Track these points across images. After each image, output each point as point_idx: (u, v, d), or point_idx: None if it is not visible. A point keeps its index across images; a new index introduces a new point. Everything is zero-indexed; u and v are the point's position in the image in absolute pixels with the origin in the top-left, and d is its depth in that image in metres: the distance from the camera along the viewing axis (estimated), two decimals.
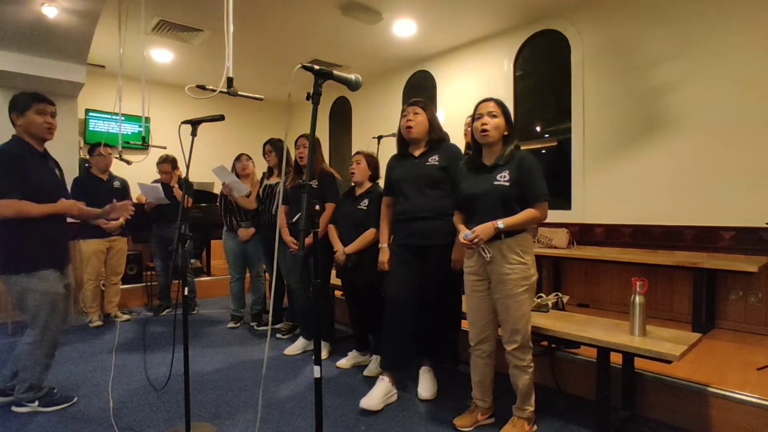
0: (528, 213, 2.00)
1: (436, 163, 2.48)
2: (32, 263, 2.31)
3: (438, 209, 2.45)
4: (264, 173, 3.95)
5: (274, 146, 3.77)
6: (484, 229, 2.00)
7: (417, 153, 2.57)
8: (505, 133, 2.10)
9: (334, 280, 3.35)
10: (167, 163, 4.39)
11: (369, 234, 2.86)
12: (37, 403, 2.39)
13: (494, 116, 2.07)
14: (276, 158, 3.75)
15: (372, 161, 3.03)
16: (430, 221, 2.46)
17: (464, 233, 2.04)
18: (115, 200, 2.59)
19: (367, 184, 3.00)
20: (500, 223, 1.98)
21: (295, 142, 3.33)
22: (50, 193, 2.39)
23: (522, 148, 2.16)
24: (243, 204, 3.88)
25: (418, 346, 2.69)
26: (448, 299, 2.55)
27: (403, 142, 2.63)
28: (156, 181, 4.43)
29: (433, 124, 2.57)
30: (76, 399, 2.52)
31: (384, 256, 2.66)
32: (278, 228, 1.86)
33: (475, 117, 2.12)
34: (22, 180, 2.27)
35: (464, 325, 2.79)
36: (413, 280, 2.52)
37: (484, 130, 2.07)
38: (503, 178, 2.03)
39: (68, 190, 2.68)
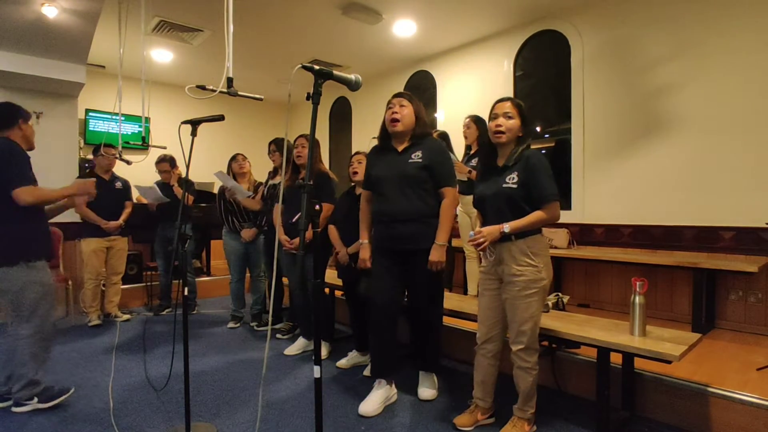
0: (535, 215, 1.98)
1: (420, 160, 2.37)
2: (31, 253, 2.36)
3: (419, 212, 2.36)
4: (269, 173, 3.95)
5: (279, 146, 3.76)
6: (490, 231, 1.99)
7: (400, 148, 2.45)
8: (519, 134, 2.08)
9: (333, 279, 3.35)
10: (165, 162, 4.40)
11: None
12: (36, 399, 2.39)
13: (510, 117, 2.04)
14: (281, 157, 3.74)
15: None
16: (413, 224, 2.36)
17: (471, 233, 2.04)
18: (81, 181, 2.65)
19: None
20: (506, 227, 1.97)
21: (294, 142, 3.33)
22: None
23: None
24: (249, 205, 3.86)
25: (414, 349, 2.67)
26: (435, 302, 2.52)
27: (386, 135, 2.51)
28: (157, 182, 4.43)
29: (419, 118, 2.44)
30: (74, 389, 2.53)
31: (365, 253, 2.57)
32: (278, 227, 1.86)
33: (491, 116, 2.09)
34: (30, 171, 2.36)
35: (468, 325, 2.80)
36: (397, 284, 2.46)
37: (498, 132, 2.05)
38: (512, 180, 2.01)
39: None
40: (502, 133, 2.04)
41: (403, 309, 2.57)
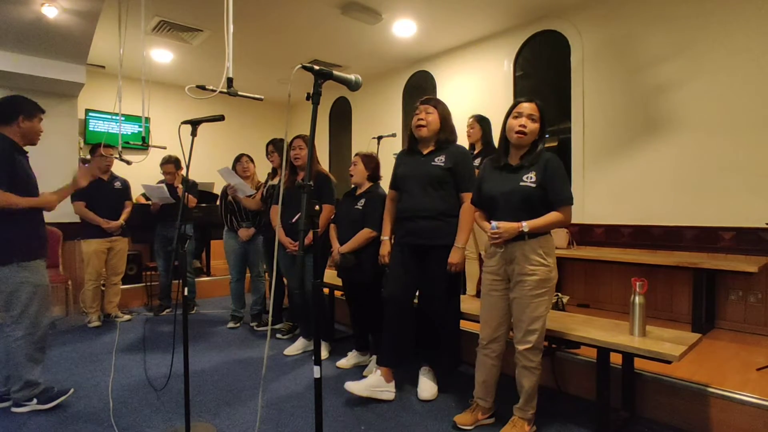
0: (553, 216, 1.99)
1: (442, 163, 2.46)
2: (25, 253, 2.33)
3: (440, 210, 2.45)
4: (269, 174, 3.95)
5: (277, 146, 3.76)
6: (508, 228, 1.99)
7: (425, 151, 2.56)
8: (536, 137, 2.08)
9: (333, 279, 3.35)
10: (170, 163, 4.41)
11: (363, 234, 2.85)
12: (35, 401, 2.39)
13: (534, 120, 2.04)
14: (279, 158, 3.75)
15: (370, 162, 3.00)
16: (431, 221, 2.45)
17: (492, 224, 2.03)
18: (81, 165, 2.59)
19: (367, 184, 2.99)
20: (525, 225, 1.97)
21: (290, 143, 3.32)
22: (36, 189, 2.45)
23: None
24: (248, 205, 3.87)
25: (418, 347, 2.68)
26: (448, 301, 2.54)
27: (413, 138, 2.62)
28: (161, 182, 4.44)
29: (445, 124, 2.54)
30: (73, 390, 2.53)
31: (384, 249, 2.66)
32: (278, 228, 1.87)
33: (514, 115, 2.07)
34: (10, 174, 2.30)
35: (468, 326, 2.80)
36: (411, 279, 2.52)
37: (521, 132, 2.02)
38: (529, 179, 2.01)
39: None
40: (525, 134, 2.03)
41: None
